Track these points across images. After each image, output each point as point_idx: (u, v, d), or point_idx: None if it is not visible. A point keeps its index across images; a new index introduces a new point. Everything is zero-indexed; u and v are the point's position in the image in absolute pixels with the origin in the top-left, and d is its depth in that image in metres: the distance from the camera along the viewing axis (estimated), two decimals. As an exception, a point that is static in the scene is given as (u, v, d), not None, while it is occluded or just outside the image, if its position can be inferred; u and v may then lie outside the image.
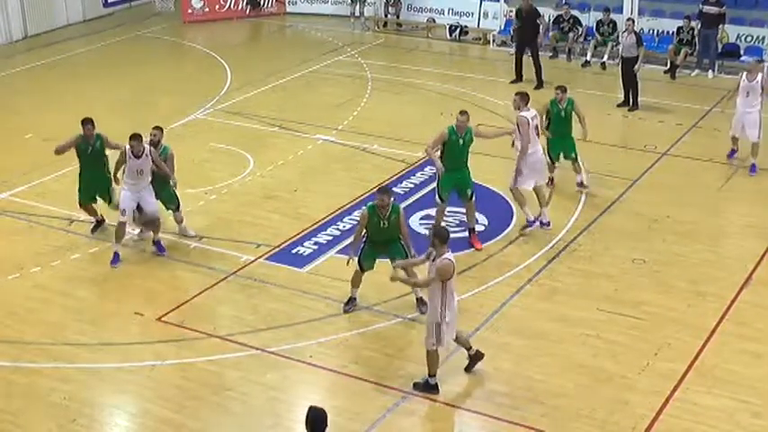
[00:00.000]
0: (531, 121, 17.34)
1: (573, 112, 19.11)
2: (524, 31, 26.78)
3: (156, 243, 17.14)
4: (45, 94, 26.58)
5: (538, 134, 17.66)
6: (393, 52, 30.36)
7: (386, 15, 33.15)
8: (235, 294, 15.90)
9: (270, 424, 12.75)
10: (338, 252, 17.02)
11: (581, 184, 19.41)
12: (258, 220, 18.37)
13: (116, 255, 16.75)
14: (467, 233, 17.36)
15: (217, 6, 34.76)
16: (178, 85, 27.01)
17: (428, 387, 13.18)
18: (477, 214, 17.67)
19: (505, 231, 17.67)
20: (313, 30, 32.88)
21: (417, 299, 15.12)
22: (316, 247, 17.24)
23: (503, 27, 30.70)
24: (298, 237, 17.59)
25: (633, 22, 25.48)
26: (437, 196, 17.13)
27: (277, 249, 17.17)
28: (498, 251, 16.98)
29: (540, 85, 25.95)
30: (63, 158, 18.19)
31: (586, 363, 13.81)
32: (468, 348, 13.55)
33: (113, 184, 17.16)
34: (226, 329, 14.82)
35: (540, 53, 26.57)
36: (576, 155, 19.20)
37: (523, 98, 17.63)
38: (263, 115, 23.98)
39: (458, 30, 31.31)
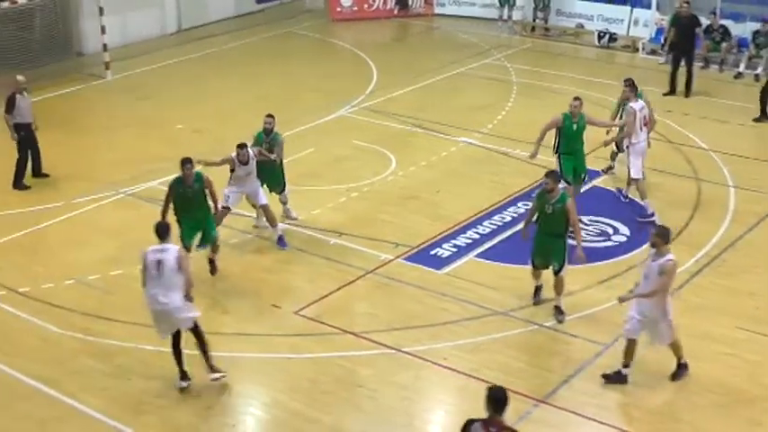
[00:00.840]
0: (638, 111, 17.99)
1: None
2: (682, 39, 25.91)
3: (280, 238, 17.42)
4: (195, 86, 27.17)
5: (645, 124, 18.18)
6: (539, 57, 30.11)
7: (534, 20, 32.90)
8: (372, 292, 15.99)
9: (402, 423, 12.80)
10: (478, 255, 16.98)
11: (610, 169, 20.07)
12: (398, 219, 18.43)
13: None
14: (605, 242, 17.26)
15: (365, 5, 35.03)
16: (324, 83, 27.28)
17: (684, 368, 13.48)
18: (618, 224, 17.86)
19: (647, 243, 17.30)
20: (460, 32, 32.84)
21: (555, 307, 15.01)
22: (455, 249, 17.20)
23: (653, 35, 30.12)
24: (437, 238, 17.59)
25: None
26: (562, 179, 17.24)
27: (416, 250, 17.20)
28: (640, 263, 16.61)
29: (688, 95, 25.42)
30: (211, 149, 18.57)
31: (724, 381, 13.47)
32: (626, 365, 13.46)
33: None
34: (361, 327, 14.91)
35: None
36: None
37: (633, 89, 18.35)
38: (408, 115, 24.05)
39: (606, 36, 30.90)
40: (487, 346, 14.34)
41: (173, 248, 13.05)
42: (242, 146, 16.90)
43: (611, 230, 17.80)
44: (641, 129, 18.09)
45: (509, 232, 17.75)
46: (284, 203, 18.14)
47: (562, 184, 15.72)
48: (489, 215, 18.46)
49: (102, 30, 27.86)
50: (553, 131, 17.82)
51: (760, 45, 27.42)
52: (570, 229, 14.71)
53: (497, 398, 9.41)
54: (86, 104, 26.41)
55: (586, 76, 27.64)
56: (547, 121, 17.93)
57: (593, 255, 16.76)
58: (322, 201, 19.10)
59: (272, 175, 17.62)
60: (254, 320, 15.11)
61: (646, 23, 30.71)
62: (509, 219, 18.21)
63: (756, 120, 23.69)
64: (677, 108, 24.54)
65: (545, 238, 14.85)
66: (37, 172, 20.39)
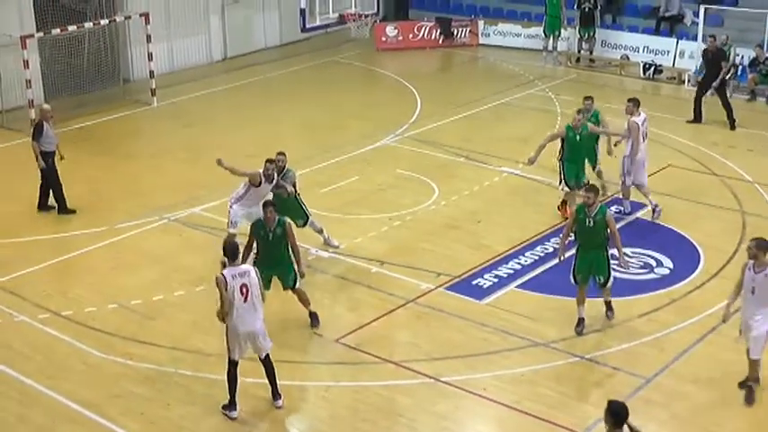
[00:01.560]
0: (641, 125, 19.07)
1: (598, 124, 19.94)
2: (708, 72, 26.22)
3: None
4: (240, 113, 27.36)
5: (644, 138, 19.24)
6: (584, 88, 29.75)
7: (579, 51, 32.86)
8: (412, 321, 15.96)
9: (440, 454, 12.74)
10: (519, 286, 16.92)
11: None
12: (439, 248, 18.40)
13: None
14: (648, 275, 17.25)
15: (410, 35, 35.16)
16: (368, 111, 27.39)
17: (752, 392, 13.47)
18: (661, 256, 17.80)
19: (691, 276, 17.20)
20: (504, 62, 32.86)
21: (606, 302, 15.44)
22: (496, 279, 17.15)
23: (699, 67, 29.91)
24: (478, 268, 17.54)
25: None
26: (564, 185, 19.16)
27: (457, 279, 17.16)
28: (682, 296, 16.54)
29: (732, 126, 25.31)
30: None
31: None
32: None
33: (295, 263, 15.39)
34: (401, 356, 14.88)
35: (728, 94, 26.00)
36: (595, 165, 20.11)
37: (636, 104, 19.27)
38: (451, 145, 24.06)
39: (652, 68, 30.76)
40: (528, 378, 14.26)
41: (251, 270, 13.13)
42: (272, 161, 16.90)
43: (654, 263, 17.67)
44: (642, 141, 19.13)
45: (551, 263, 17.64)
46: (320, 232, 18.10)
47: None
48: (531, 246, 18.40)
49: (150, 57, 28.18)
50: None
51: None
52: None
53: (616, 411, 9.78)
54: (132, 130, 26.69)
55: (631, 108, 27.48)
56: (551, 131, 20.04)
57: (636, 287, 16.72)
58: (364, 229, 19.13)
59: (292, 208, 17.35)
60: (294, 348, 15.10)
61: (692, 55, 30.51)
62: (551, 250, 18.12)
63: None
64: (723, 141, 24.40)
65: (586, 252, 15.16)
66: (44, 205, 20.29)
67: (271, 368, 13.41)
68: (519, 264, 17.72)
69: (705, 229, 18.94)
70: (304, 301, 15.55)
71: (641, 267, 17.45)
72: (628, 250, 17.23)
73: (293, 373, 14.33)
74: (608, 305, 15.56)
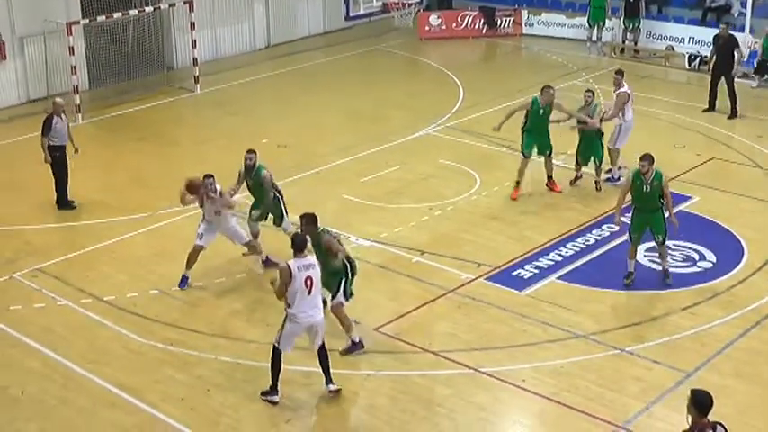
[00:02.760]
0: (630, 94, 20.61)
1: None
2: (720, 59, 26.11)
3: (265, 260, 17.09)
4: (282, 101, 27.41)
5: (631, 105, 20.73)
6: (628, 79, 29.36)
7: (623, 41, 32.60)
8: (452, 312, 15.93)
9: (478, 444, 12.72)
10: (559, 278, 16.85)
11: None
12: (481, 239, 18.35)
13: (184, 278, 16.75)
14: (690, 268, 17.07)
15: (454, 25, 35.07)
16: (411, 100, 27.34)
17: None
18: (704, 250, 17.65)
19: (734, 270, 17.03)
20: (548, 52, 32.68)
21: (664, 270, 16.51)
22: (537, 271, 17.08)
23: (745, 58, 29.57)
24: (519, 259, 17.49)
25: None
26: (521, 153, 20.26)
27: (497, 270, 17.11)
28: (725, 290, 16.39)
29: (733, 114, 25.17)
30: (296, 166, 18.62)
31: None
32: None
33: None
34: (440, 346, 14.86)
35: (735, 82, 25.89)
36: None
37: (622, 75, 20.91)
38: (493, 135, 23.90)
39: (697, 59, 30.42)
40: (567, 370, 14.19)
41: (316, 263, 13.23)
42: (208, 176, 16.45)
43: (696, 256, 17.53)
44: (630, 109, 20.58)
45: (591, 255, 17.59)
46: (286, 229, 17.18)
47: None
48: (572, 237, 18.30)
49: (193, 44, 28.30)
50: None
51: None
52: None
53: (701, 401, 9.75)
54: (175, 117, 26.82)
55: (677, 99, 27.28)
56: (518, 102, 21.35)
57: (678, 280, 16.60)
58: (405, 219, 19.12)
59: (269, 203, 17.12)
60: (334, 335, 15.01)
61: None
62: (592, 241, 18.05)
63: None
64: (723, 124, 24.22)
65: (643, 214, 16.27)
66: (63, 203, 20.11)
67: (325, 357, 13.48)
68: (560, 255, 17.64)
69: (749, 223, 18.76)
70: (343, 324, 14.71)
71: (684, 260, 17.33)
72: (670, 243, 17.17)
73: (332, 361, 14.30)
74: (666, 272, 16.46)
